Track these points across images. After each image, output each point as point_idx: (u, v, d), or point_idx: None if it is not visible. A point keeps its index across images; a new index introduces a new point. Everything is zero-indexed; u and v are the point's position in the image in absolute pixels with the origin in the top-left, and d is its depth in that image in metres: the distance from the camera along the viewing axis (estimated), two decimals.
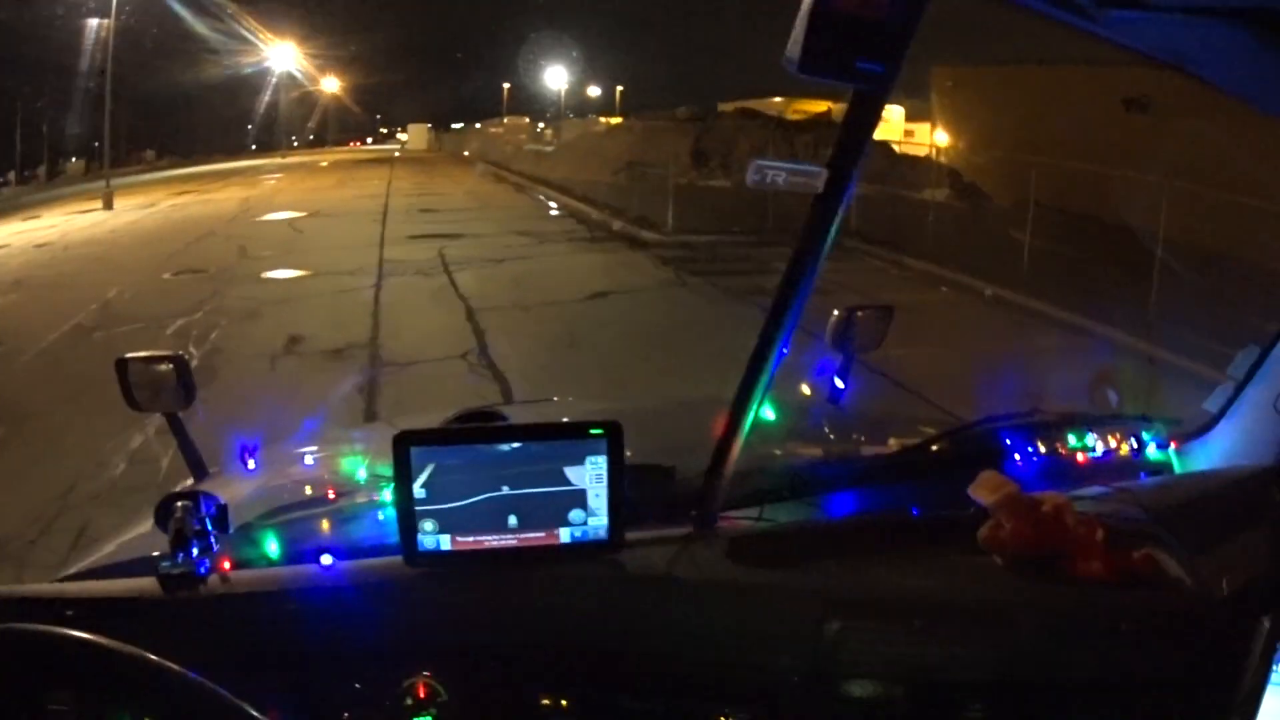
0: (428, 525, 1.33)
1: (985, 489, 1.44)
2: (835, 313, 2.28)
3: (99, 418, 6.47)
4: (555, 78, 73.65)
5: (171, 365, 2.08)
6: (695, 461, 1.52)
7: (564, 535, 1.37)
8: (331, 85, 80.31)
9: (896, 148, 23.97)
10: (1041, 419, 1.92)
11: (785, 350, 1.37)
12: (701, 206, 17.50)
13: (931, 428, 2.18)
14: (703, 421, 1.57)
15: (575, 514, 1.36)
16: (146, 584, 1.34)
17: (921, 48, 1.13)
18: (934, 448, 1.91)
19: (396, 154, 63.42)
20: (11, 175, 54.83)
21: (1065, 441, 1.83)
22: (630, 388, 6.95)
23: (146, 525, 2.28)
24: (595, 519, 1.37)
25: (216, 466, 2.27)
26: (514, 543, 1.36)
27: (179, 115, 70.89)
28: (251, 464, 2.06)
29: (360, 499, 1.81)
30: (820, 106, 37.44)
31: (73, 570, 1.77)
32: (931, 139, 25.02)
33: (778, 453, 2.07)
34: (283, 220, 20.13)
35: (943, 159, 22.72)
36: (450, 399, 6.74)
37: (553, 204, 23.19)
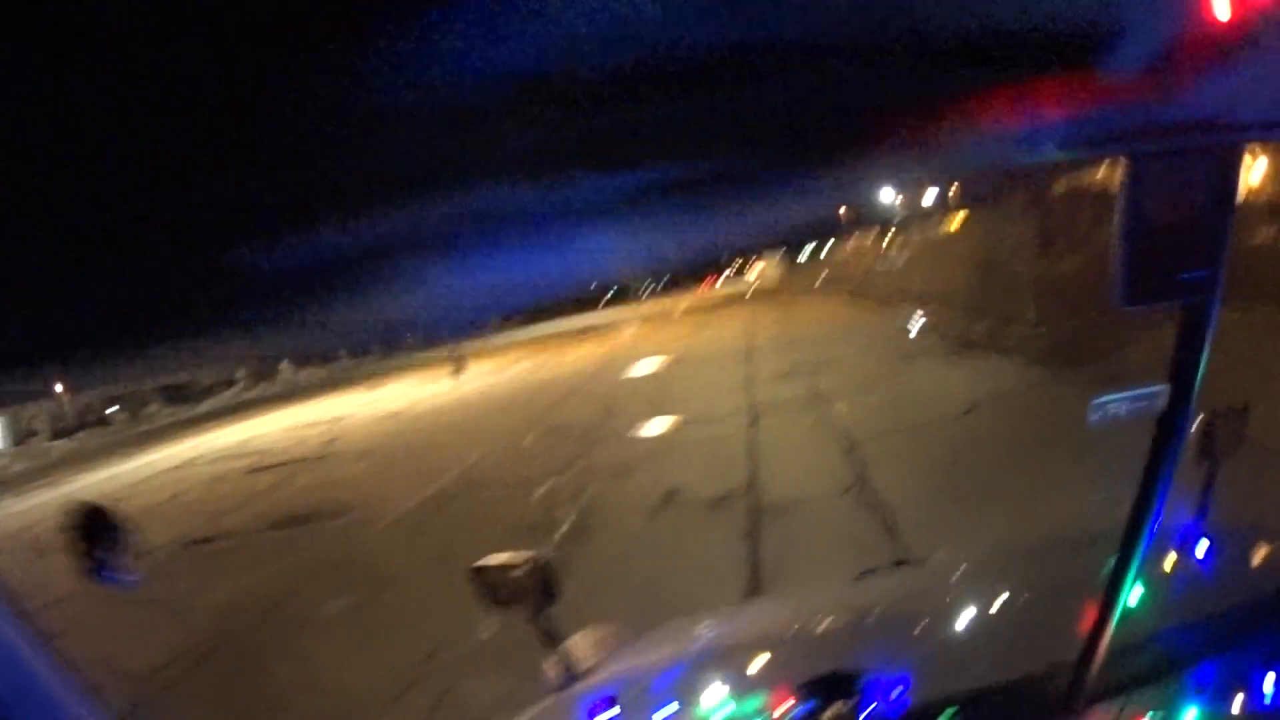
0: None
1: None
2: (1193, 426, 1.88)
3: (465, 583, 6.87)
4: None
5: (531, 567, 2.11)
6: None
7: None
8: None
9: None
10: None
11: (1158, 524, 1.26)
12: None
13: None
14: None
15: None
16: None
17: None
18: None
19: None
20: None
21: None
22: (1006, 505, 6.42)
23: (547, 701, 2.45)
24: None
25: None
26: None
27: None
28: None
29: None
30: None
31: None
32: None
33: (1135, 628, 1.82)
34: None
35: None
36: (835, 542, 6.64)
37: (912, 316, 22.64)
